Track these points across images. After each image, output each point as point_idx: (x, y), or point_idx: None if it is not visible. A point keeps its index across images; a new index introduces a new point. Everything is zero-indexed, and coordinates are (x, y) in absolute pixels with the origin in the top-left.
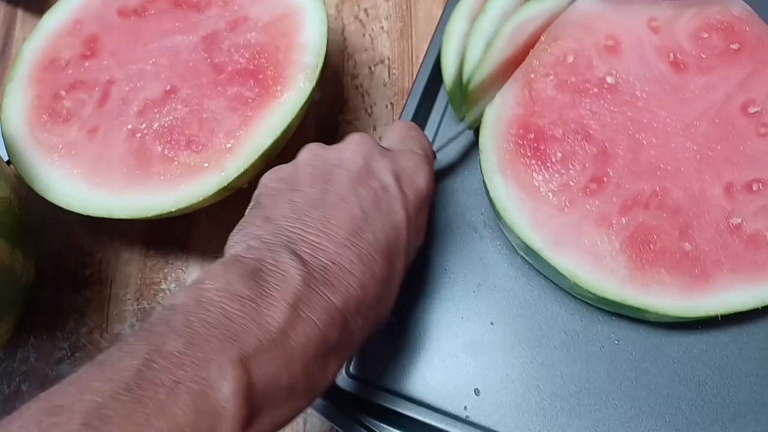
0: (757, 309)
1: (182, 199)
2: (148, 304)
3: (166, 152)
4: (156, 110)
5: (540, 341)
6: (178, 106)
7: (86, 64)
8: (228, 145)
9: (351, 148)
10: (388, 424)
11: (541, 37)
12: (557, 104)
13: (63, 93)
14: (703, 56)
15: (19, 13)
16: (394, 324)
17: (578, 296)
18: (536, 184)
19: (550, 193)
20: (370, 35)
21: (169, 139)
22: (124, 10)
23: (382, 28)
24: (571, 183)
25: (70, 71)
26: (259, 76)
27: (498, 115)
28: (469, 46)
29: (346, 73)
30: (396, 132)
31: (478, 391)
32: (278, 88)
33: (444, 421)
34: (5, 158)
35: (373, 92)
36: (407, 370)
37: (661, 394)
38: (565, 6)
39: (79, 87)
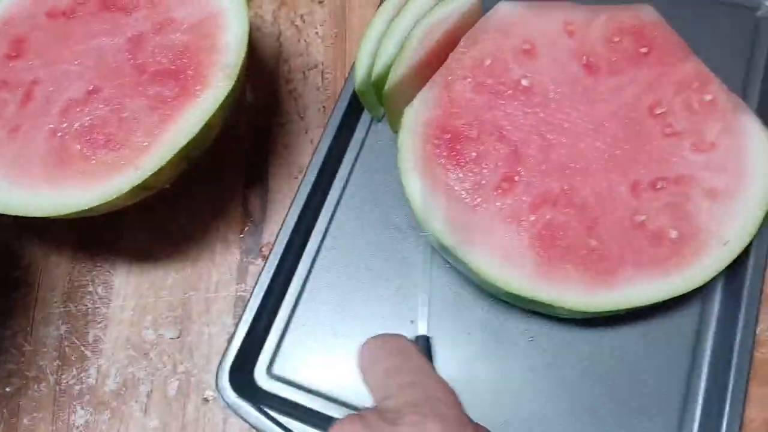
0: (664, 305)
1: (97, 197)
2: (75, 306)
3: (84, 151)
4: (78, 110)
5: (458, 338)
6: (100, 106)
7: (10, 64)
8: (145, 144)
9: None
10: (306, 423)
11: (461, 40)
12: (474, 106)
13: None
14: (614, 59)
15: None
16: (314, 324)
17: (493, 293)
18: (451, 183)
19: (463, 192)
20: (305, 41)
21: (88, 138)
22: (53, 12)
23: (317, 33)
24: (484, 182)
25: None
26: (180, 76)
27: (416, 116)
28: (382, 47)
29: (281, 77)
30: (379, 363)
31: None
32: (198, 87)
33: None
34: None
35: (306, 96)
36: (327, 369)
37: (573, 389)
38: (474, 5)
39: (2, 87)
